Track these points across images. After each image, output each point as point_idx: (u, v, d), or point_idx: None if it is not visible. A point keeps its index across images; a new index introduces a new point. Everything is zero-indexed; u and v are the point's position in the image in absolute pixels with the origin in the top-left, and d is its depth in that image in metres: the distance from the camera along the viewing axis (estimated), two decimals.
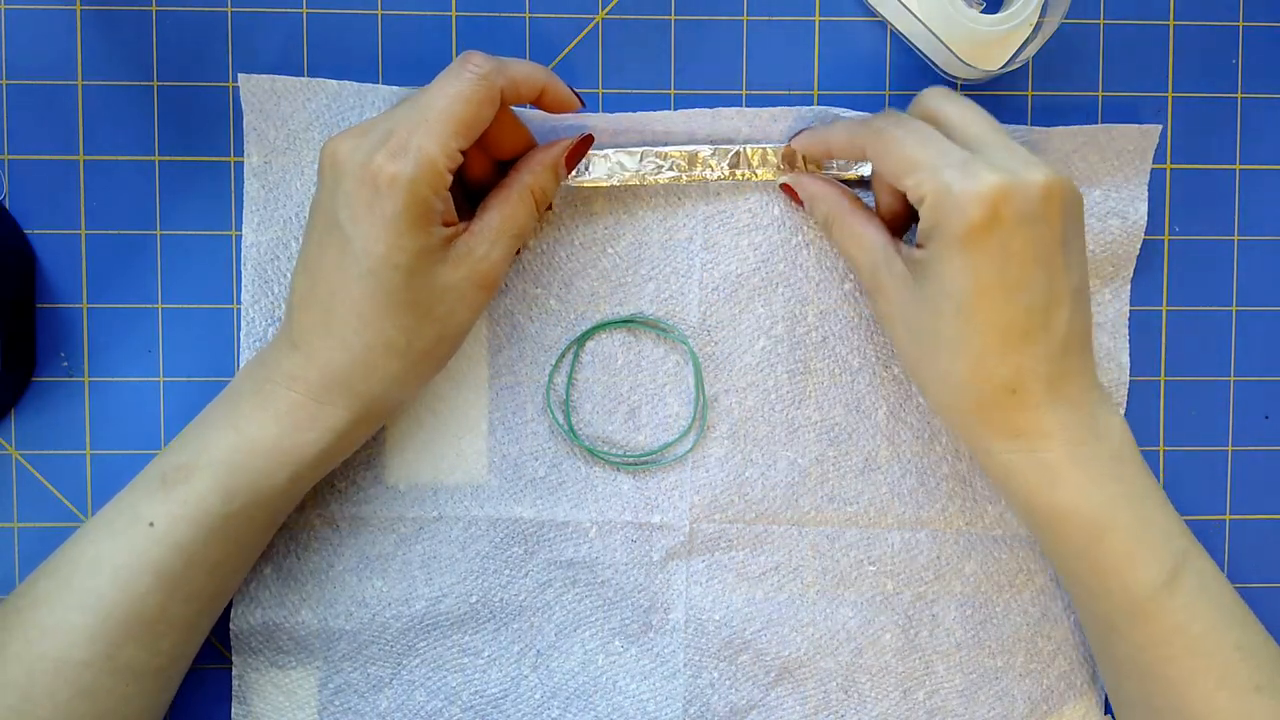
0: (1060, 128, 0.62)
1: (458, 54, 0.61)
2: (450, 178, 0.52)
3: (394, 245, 0.51)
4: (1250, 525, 0.65)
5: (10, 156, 0.61)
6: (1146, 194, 0.63)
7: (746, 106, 0.62)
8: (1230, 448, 0.65)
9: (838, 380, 0.63)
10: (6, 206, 0.61)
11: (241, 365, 0.57)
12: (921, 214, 0.53)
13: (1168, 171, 0.64)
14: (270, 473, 0.54)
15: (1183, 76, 0.64)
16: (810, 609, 0.63)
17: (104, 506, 0.55)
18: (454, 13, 0.62)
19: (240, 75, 0.61)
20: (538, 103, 0.57)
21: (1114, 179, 0.62)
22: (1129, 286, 0.64)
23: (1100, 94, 0.64)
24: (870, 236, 0.57)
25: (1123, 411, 0.64)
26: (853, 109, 0.62)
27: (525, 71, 0.55)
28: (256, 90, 0.61)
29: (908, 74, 0.63)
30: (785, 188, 0.61)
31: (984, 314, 0.52)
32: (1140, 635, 0.54)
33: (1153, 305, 0.64)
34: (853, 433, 0.63)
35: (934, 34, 0.59)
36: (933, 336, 0.54)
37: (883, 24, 0.63)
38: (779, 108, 0.62)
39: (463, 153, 0.53)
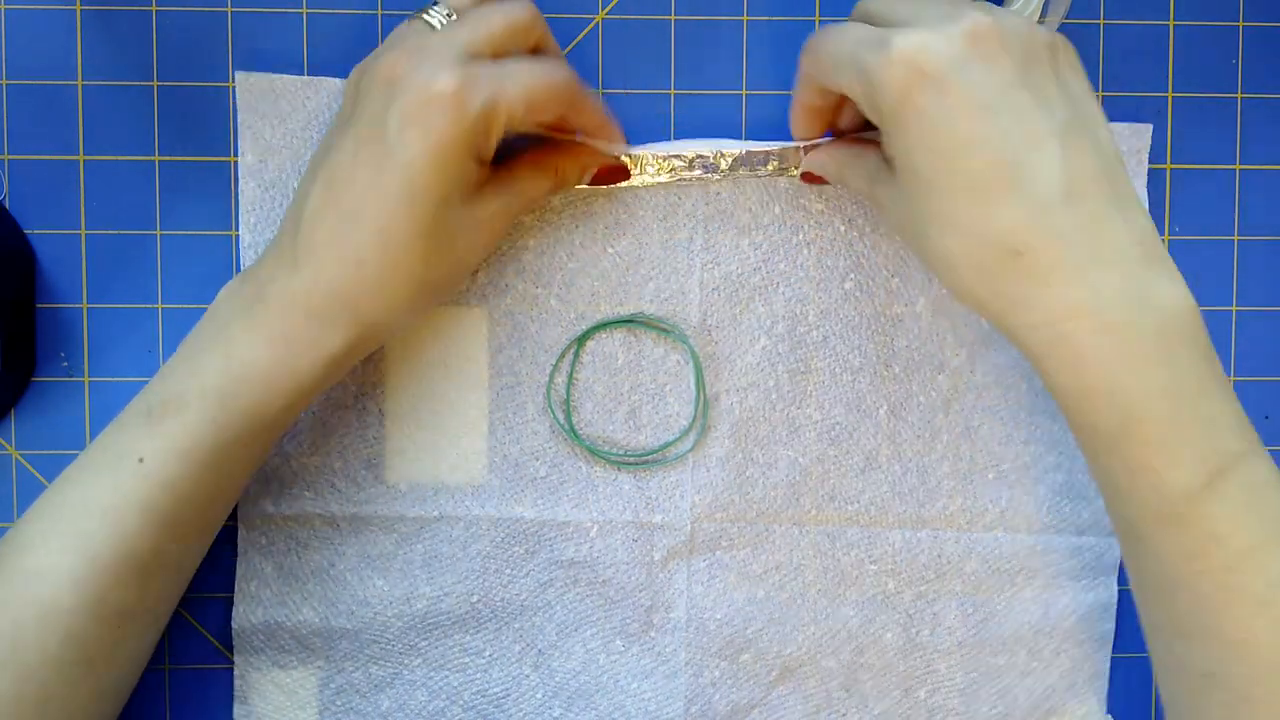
0: None
1: None
2: (499, 138, 0.53)
3: (441, 170, 0.51)
4: None
5: (10, 156, 0.61)
6: (1145, 193, 0.63)
7: (746, 108, 0.63)
8: None
9: (838, 379, 0.63)
10: (6, 206, 0.61)
11: (224, 289, 0.55)
12: (860, 107, 0.51)
13: (1168, 171, 0.64)
14: (264, 401, 0.53)
15: (1183, 76, 0.64)
16: (811, 608, 0.63)
17: (89, 445, 0.53)
18: None
19: (238, 74, 0.61)
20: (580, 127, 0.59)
21: None
22: None
23: (1100, 94, 0.64)
24: (854, 154, 0.57)
25: None
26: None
27: (595, 111, 0.58)
28: (254, 89, 0.61)
29: None
30: (806, 176, 0.62)
31: (948, 177, 0.49)
32: (1171, 544, 0.48)
33: None
34: (853, 432, 0.63)
35: None
36: (922, 222, 0.51)
37: None
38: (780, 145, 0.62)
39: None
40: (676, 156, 0.61)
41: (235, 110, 0.61)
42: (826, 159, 0.59)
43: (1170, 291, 0.48)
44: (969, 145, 0.48)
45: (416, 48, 0.52)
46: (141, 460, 0.51)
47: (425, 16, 0.54)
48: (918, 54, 0.47)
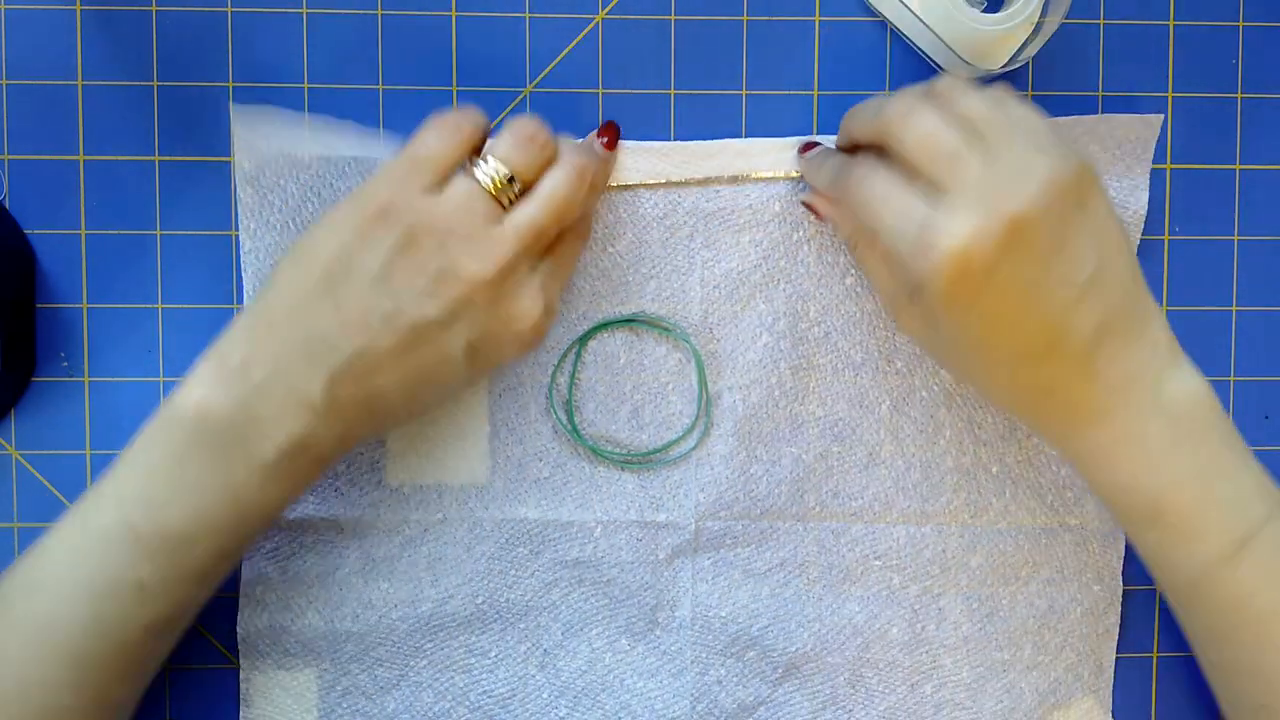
0: (1061, 118, 0.61)
1: (457, 55, 0.62)
2: None
3: (487, 371, 0.57)
4: None
5: (10, 156, 0.61)
6: (1148, 183, 0.63)
7: (746, 108, 0.63)
8: None
9: (840, 376, 0.63)
10: (6, 206, 0.61)
11: (197, 387, 0.52)
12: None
13: (1168, 171, 0.64)
14: (264, 528, 0.55)
15: (1183, 76, 0.64)
16: (816, 604, 0.63)
17: (52, 553, 0.52)
18: (454, 13, 0.62)
19: (234, 106, 0.61)
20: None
21: (1115, 169, 0.63)
22: None
23: (1100, 94, 0.64)
24: (882, 277, 0.56)
25: None
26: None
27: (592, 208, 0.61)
28: (248, 115, 0.61)
29: (908, 74, 0.64)
30: (807, 204, 0.62)
31: (995, 349, 0.51)
32: (1208, 605, 0.53)
33: None
34: (856, 428, 0.63)
35: (935, 34, 0.60)
36: (958, 363, 0.55)
37: (883, 24, 0.63)
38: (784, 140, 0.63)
39: None
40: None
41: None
42: (842, 226, 0.59)
43: (1187, 387, 0.52)
44: (1010, 325, 0.50)
45: (499, 256, 0.53)
46: (143, 588, 0.51)
47: (480, 178, 0.54)
48: (963, 257, 0.48)
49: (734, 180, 0.62)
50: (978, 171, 0.48)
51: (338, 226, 0.53)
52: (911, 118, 0.51)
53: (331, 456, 0.54)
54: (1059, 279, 0.49)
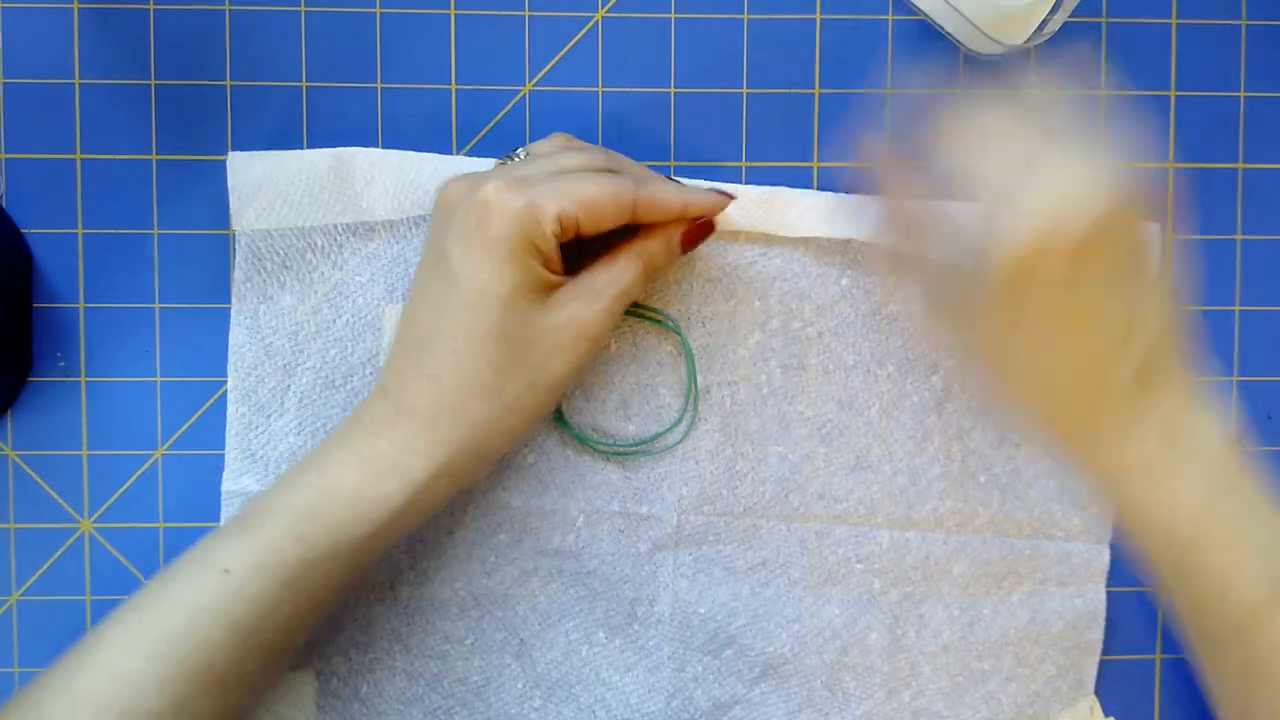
0: None
1: (456, 54, 0.62)
2: (555, 237, 0.53)
3: (495, 273, 0.52)
4: None
5: (7, 156, 0.61)
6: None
7: (746, 107, 0.63)
8: None
9: (831, 377, 0.63)
10: (3, 206, 0.60)
11: None
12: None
13: (1169, 171, 0.64)
14: (350, 522, 0.53)
15: (1185, 76, 0.64)
16: (797, 605, 0.63)
17: (188, 550, 0.53)
18: (453, 11, 0.62)
19: (231, 154, 0.61)
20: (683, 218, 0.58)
21: None
22: None
23: (1101, 93, 0.63)
24: (932, 284, 0.57)
25: None
26: (853, 108, 0.62)
27: (665, 202, 0.56)
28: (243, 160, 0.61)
29: (908, 74, 0.63)
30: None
31: (1043, 374, 0.52)
32: (1243, 653, 0.52)
33: None
34: (844, 430, 0.63)
35: (958, 10, 0.59)
36: (1010, 377, 0.55)
37: (883, 23, 0.63)
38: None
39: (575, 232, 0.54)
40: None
41: (233, 110, 0.62)
42: (914, 281, 0.59)
43: (1213, 434, 0.52)
44: (1067, 349, 0.51)
45: (476, 177, 0.54)
46: (228, 571, 0.51)
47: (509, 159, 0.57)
48: (1025, 271, 0.48)
49: (764, 240, 0.62)
50: (1065, 158, 0.49)
51: None
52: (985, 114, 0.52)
53: (394, 433, 0.54)
54: (1116, 308, 0.50)
